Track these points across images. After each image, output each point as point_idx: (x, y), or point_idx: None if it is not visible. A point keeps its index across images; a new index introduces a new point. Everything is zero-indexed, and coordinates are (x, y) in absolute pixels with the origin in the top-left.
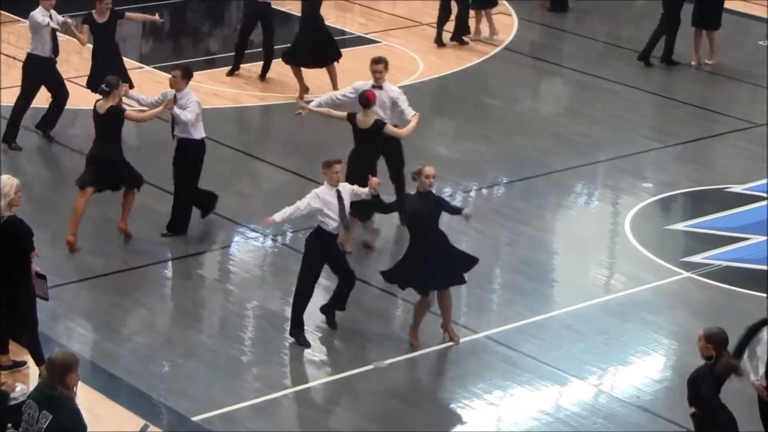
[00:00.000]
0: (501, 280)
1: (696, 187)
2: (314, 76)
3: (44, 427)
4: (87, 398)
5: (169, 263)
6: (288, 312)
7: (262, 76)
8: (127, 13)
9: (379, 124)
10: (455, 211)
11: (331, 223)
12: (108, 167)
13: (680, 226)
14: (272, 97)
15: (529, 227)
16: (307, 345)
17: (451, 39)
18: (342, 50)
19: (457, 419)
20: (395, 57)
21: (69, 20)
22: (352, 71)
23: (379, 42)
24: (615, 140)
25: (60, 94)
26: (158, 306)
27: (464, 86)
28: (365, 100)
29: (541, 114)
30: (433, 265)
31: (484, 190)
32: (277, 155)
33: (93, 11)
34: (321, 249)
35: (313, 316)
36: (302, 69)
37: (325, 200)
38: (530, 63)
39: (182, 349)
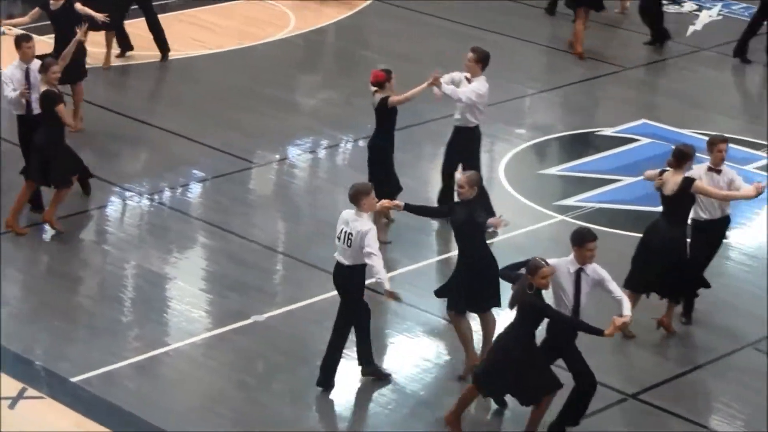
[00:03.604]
0: None
1: (568, 131)
2: None
3: None
4: None
5: (45, 226)
6: (167, 270)
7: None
8: (77, 4)
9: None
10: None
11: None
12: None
13: (553, 170)
14: (148, 56)
15: (406, 176)
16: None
17: None
18: (215, 6)
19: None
20: (267, 12)
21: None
22: (229, 28)
23: None
24: (489, 88)
25: None
26: (35, 269)
27: (337, 39)
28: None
29: (416, 64)
30: (460, 284)
31: (360, 142)
32: (155, 115)
33: None
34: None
35: (191, 271)
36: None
37: None
38: (405, 15)
39: (60, 311)
